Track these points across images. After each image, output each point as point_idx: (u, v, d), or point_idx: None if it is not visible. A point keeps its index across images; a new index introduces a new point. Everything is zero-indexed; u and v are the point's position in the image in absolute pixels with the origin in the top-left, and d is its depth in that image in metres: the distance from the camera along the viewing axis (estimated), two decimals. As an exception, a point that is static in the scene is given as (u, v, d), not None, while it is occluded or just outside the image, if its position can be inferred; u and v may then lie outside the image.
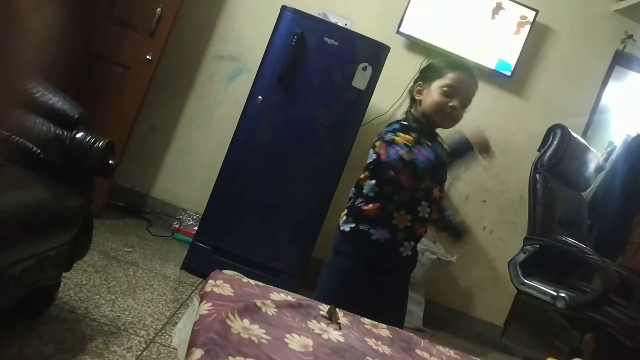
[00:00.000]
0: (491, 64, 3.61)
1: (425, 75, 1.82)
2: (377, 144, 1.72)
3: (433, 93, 1.76)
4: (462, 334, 3.67)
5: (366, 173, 1.80)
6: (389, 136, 1.67)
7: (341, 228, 1.81)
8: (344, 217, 1.82)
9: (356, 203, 1.79)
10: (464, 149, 1.61)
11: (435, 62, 1.88)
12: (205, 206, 3.04)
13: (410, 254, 1.81)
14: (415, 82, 1.85)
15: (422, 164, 1.57)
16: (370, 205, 1.75)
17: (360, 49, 2.96)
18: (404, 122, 1.78)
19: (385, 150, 1.63)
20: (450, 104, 1.73)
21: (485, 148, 1.62)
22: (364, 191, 1.78)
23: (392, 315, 1.65)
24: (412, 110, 1.84)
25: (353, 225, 1.77)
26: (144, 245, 3.18)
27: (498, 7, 3.56)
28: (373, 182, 1.76)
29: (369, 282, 1.80)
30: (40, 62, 0.45)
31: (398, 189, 1.73)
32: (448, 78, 1.75)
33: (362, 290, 1.78)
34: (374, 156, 1.75)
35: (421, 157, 1.58)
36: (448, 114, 1.75)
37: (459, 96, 1.75)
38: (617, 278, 2.61)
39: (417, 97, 1.81)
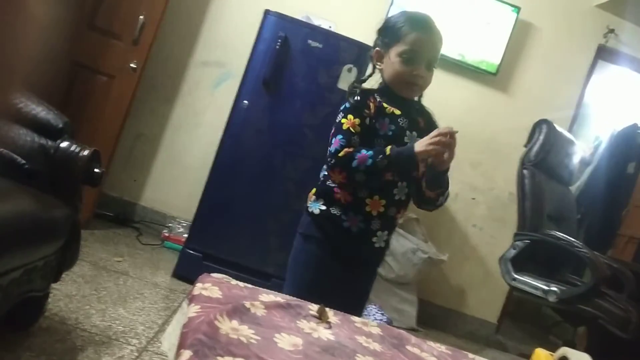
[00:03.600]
0: (476, 63, 3.63)
1: (383, 40, 1.61)
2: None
3: (393, 61, 1.56)
4: (456, 332, 3.68)
5: None
6: (340, 116, 1.57)
7: (310, 209, 1.63)
8: (313, 197, 1.64)
9: (328, 183, 1.62)
10: (435, 179, 1.59)
11: (391, 20, 1.62)
12: (194, 213, 3.04)
13: (383, 246, 1.64)
14: (373, 46, 1.66)
15: (358, 164, 1.48)
16: (342, 191, 1.59)
17: (345, 50, 2.97)
18: (366, 90, 1.63)
19: (332, 136, 1.56)
20: (414, 72, 1.54)
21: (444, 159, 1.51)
22: None
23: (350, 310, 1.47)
24: (384, 85, 1.64)
25: (324, 207, 1.60)
26: (134, 254, 3.16)
27: (480, 6, 3.59)
28: None
29: (337, 274, 1.61)
30: (30, 71, 0.45)
31: None
32: (406, 42, 1.53)
33: (331, 282, 1.59)
34: None
35: (383, 128, 1.55)
36: (412, 84, 1.57)
37: (423, 60, 1.54)
38: (607, 270, 2.63)
39: (378, 66, 1.63)
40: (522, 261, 2.86)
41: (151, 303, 2.55)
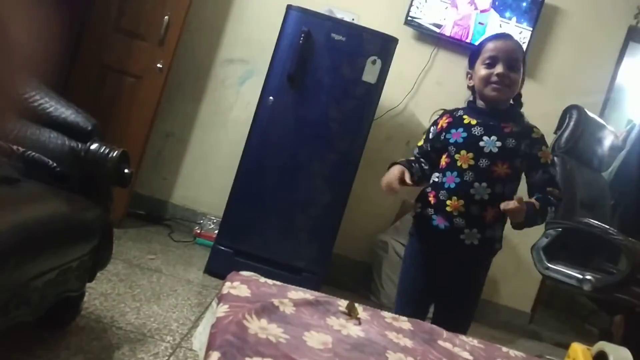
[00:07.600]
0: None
1: (470, 63, 1.85)
2: None
3: (478, 72, 1.77)
4: (489, 323, 3.64)
5: None
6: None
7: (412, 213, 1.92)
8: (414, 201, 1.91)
9: (425, 188, 1.84)
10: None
11: (472, 49, 1.91)
12: (224, 209, 3.06)
13: (477, 243, 1.75)
14: (466, 74, 1.89)
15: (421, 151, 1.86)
16: (431, 193, 1.80)
17: (368, 42, 2.95)
18: (447, 110, 1.89)
19: None
20: (496, 72, 1.73)
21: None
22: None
23: (455, 309, 1.85)
24: (472, 100, 1.86)
25: (419, 210, 1.83)
26: (167, 251, 3.21)
27: (506, -9, 3.52)
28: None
29: (432, 271, 1.84)
30: (29, 68, 0.45)
31: (444, 173, 1.77)
32: (485, 51, 1.76)
33: (427, 277, 1.85)
34: None
35: (454, 137, 1.77)
36: (496, 82, 1.74)
37: (502, 62, 1.73)
38: (643, 257, 2.57)
39: (469, 85, 1.85)
40: (555, 250, 2.81)
41: (184, 299, 2.59)
